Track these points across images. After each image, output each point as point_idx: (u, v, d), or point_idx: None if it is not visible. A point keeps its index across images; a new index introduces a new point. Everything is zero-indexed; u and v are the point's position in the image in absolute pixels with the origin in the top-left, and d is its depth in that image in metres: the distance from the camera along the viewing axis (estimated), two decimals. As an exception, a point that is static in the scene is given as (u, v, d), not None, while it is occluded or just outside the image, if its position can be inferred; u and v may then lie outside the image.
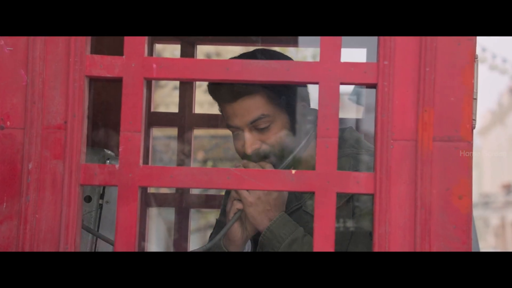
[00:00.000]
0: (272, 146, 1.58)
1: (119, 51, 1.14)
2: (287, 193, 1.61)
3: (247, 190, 1.55)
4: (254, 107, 1.56)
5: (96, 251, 1.72)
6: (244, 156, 1.60)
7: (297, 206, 1.65)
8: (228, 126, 1.62)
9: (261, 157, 1.58)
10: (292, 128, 1.61)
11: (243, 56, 1.63)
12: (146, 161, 2.18)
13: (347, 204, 1.59)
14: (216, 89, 1.62)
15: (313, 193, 1.61)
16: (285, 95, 1.59)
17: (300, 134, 1.62)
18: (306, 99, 1.65)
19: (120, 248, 1.10)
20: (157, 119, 2.27)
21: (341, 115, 1.18)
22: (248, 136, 1.58)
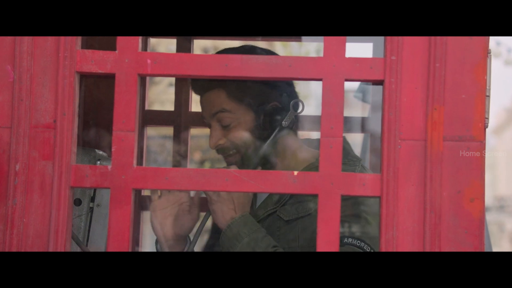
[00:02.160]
0: (235, 145, 1.64)
1: (111, 46, 1.14)
2: (251, 193, 1.65)
3: None
4: (216, 101, 1.64)
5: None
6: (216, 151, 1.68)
7: (272, 210, 1.68)
8: (202, 117, 1.71)
9: (226, 155, 1.66)
10: (260, 129, 1.65)
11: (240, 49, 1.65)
12: (140, 162, 2.18)
13: None
14: (194, 82, 1.72)
15: (289, 197, 1.65)
16: (250, 95, 1.64)
17: (269, 135, 1.64)
18: (280, 100, 1.67)
19: (113, 254, 1.10)
20: (151, 118, 2.27)
21: (346, 114, 1.18)
22: (212, 131, 1.66)
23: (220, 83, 1.63)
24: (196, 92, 1.71)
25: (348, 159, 1.71)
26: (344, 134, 1.74)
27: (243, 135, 1.65)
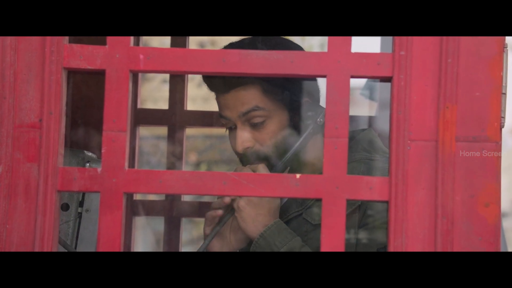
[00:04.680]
0: (267, 146, 1.60)
1: (101, 40, 1.14)
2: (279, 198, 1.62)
3: None
4: (248, 98, 1.58)
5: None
6: (238, 155, 1.62)
7: (297, 213, 1.65)
8: (220, 116, 1.64)
9: (255, 158, 1.60)
10: (293, 127, 1.62)
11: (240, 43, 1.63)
12: (132, 164, 2.18)
13: (353, 213, 1.59)
14: (210, 78, 1.63)
15: (315, 200, 1.63)
16: (286, 90, 1.60)
17: (301, 135, 1.62)
18: (311, 95, 1.65)
19: (102, 262, 1.10)
20: (144, 117, 2.27)
21: (352, 113, 1.18)
22: (240, 132, 1.60)
23: (251, 78, 1.56)
24: (219, 91, 1.62)
25: (381, 155, 1.65)
26: (370, 128, 1.73)
27: (276, 135, 1.60)
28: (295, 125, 1.62)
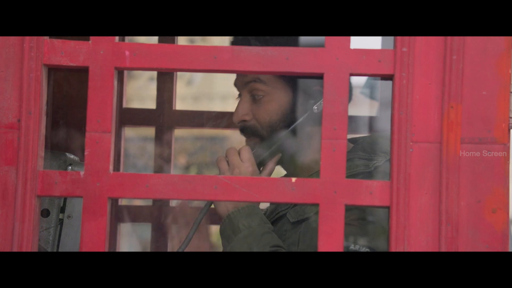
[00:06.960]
0: (262, 124, 1.62)
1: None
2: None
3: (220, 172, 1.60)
4: None
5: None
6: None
7: (283, 212, 1.67)
8: (234, 85, 1.69)
9: (250, 134, 1.64)
10: (293, 112, 1.63)
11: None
12: (117, 168, 2.18)
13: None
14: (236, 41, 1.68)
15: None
16: None
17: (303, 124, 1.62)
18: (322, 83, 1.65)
19: (85, 272, 1.10)
20: (130, 117, 2.27)
21: (351, 113, 1.18)
22: (240, 103, 1.64)
23: None
24: None
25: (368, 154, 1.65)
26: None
27: (272, 115, 1.62)
28: (296, 110, 1.64)
